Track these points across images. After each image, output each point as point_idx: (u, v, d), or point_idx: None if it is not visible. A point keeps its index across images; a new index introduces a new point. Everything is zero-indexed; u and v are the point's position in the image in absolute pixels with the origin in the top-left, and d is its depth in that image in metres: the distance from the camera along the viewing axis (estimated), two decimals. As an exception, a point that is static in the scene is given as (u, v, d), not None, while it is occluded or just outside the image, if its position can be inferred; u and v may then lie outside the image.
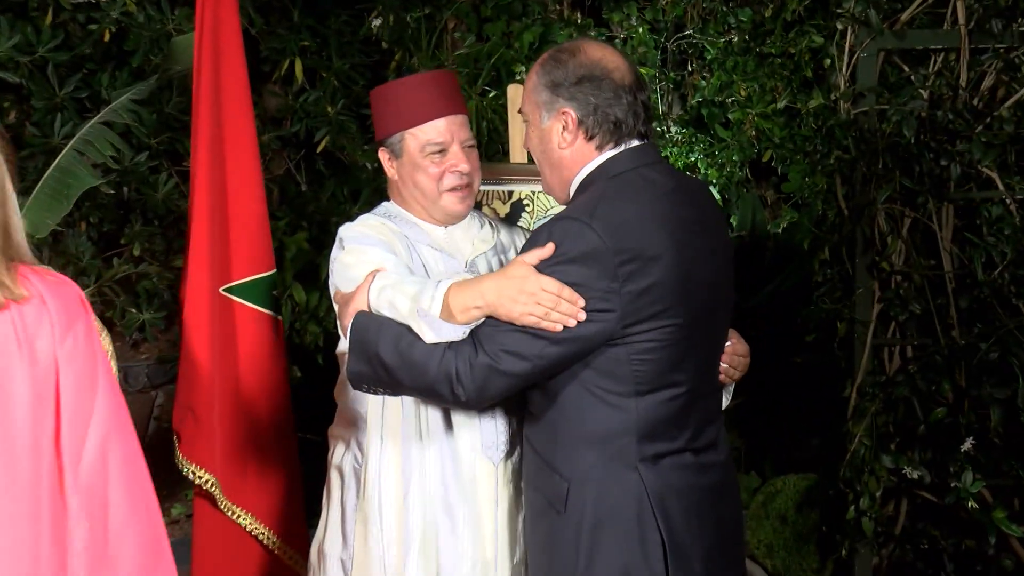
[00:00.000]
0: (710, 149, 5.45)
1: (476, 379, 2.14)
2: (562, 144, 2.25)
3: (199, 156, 3.75)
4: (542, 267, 2.12)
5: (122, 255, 5.53)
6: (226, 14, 3.72)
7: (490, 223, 2.85)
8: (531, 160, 5.03)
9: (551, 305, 2.10)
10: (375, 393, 2.33)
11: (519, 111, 2.34)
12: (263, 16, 5.62)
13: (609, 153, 2.23)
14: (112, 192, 5.18)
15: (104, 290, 5.09)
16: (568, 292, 2.10)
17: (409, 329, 2.21)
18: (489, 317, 2.17)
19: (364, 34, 5.66)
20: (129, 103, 4.48)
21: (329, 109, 5.59)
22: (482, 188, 3.62)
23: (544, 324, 2.10)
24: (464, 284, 2.21)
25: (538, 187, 3.65)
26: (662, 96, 5.67)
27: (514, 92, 3.76)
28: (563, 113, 2.23)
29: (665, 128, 5.59)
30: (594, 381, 2.18)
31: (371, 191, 5.74)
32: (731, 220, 5.59)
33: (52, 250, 5.06)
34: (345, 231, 2.64)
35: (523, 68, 5.41)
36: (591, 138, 2.23)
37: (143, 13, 5.32)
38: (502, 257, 2.77)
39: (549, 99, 2.24)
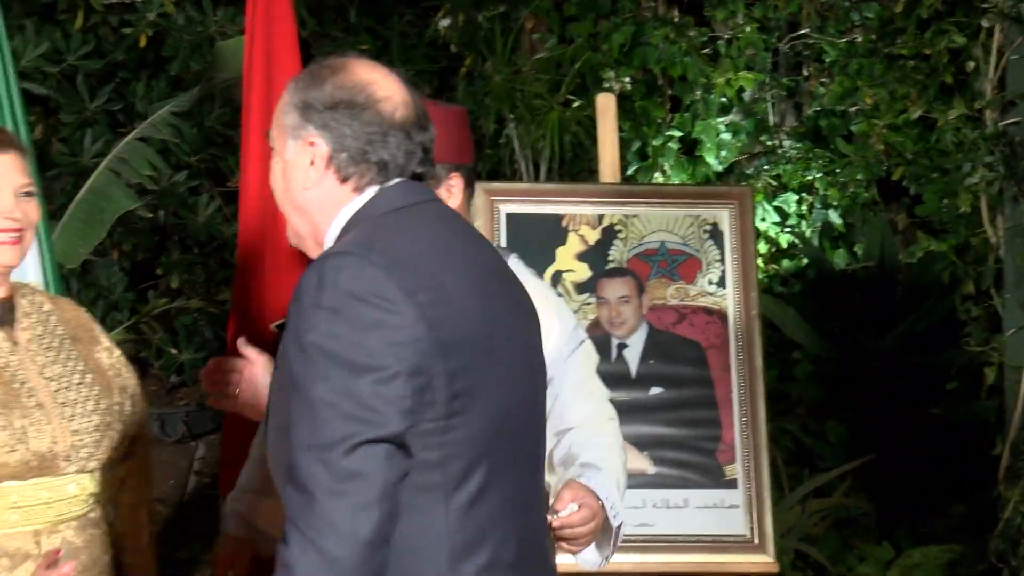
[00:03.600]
0: (830, 166, 5.41)
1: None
2: (306, 183, 1.97)
3: (248, 175, 3.81)
4: (311, 320, 1.83)
5: (158, 287, 5.63)
6: (280, 15, 3.79)
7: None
8: (624, 180, 5.06)
9: None
10: None
11: (267, 135, 2.08)
12: (316, 17, 5.72)
13: (372, 191, 1.97)
14: (149, 216, 5.29)
15: (140, 327, 5.19)
16: None
17: None
18: None
19: (430, 36, 5.74)
20: (168, 116, 4.58)
21: (391, 121, 5.64)
22: (569, 212, 3.62)
23: None
24: None
25: (633, 210, 3.65)
26: (773, 105, 5.65)
27: (604, 101, 3.78)
28: (310, 144, 1.95)
29: (777, 142, 5.57)
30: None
31: (437, 215, 5.78)
32: (855, 248, 5.54)
33: (81, 282, 5.17)
34: None
35: (612, 74, 5.43)
36: (345, 180, 1.96)
37: (183, 14, 5.45)
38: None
39: (297, 123, 1.96)
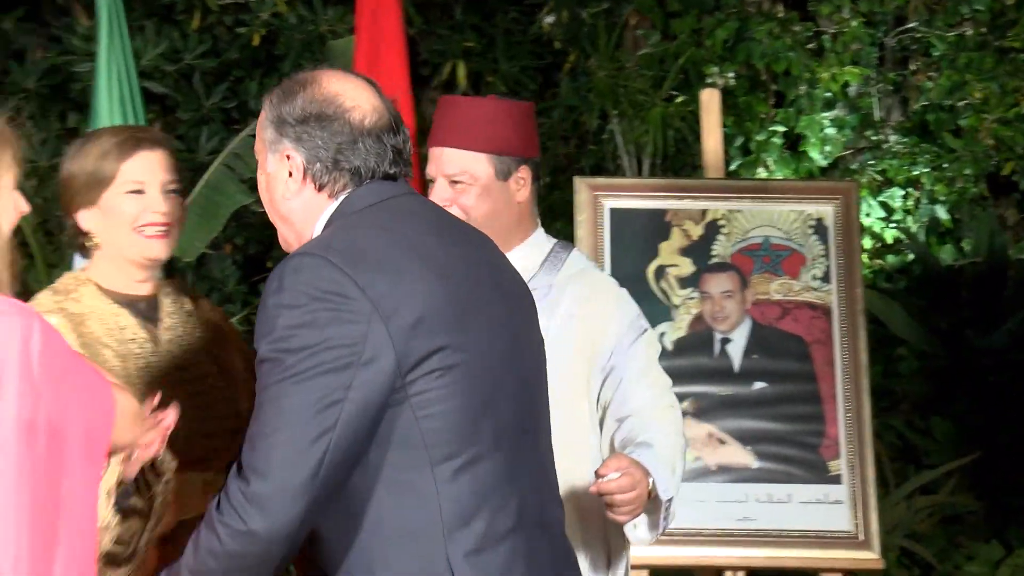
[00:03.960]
0: (937, 161, 5.31)
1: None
2: (287, 194, 2.07)
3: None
4: (274, 320, 1.92)
5: (269, 280, 5.73)
6: (387, 13, 3.84)
7: None
8: (728, 175, 5.02)
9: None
10: None
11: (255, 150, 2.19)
12: (422, 15, 5.77)
13: (345, 194, 2.06)
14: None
15: (251, 319, 5.29)
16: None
17: None
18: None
19: (535, 33, 5.75)
20: (280, 113, 4.65)
21: (495, 118, 5.67)
22: (673, 207, 3.60)
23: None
24: None
25: (737, 205, 3.62)
26: (879, 100, 5.56)
27: (708, 96, 3.75)
28: (287, 157, 2.05)
29: (883, 137, 5.48)
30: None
31: (541, 210, 5.79)
32: (963, 244, 5.43)
33: (195, 275, 5.28)
34: None
35: (716, 69, 5.39)
36: (321, 188, 2.05)
37: (294, 14, 5.54)
38: None
39: (273, 138, 2.06)
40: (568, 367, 2.67)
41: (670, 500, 2.44)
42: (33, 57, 5.76)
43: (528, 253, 2.73)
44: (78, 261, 3.75)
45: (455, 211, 2.58)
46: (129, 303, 2.41)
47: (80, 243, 2.46)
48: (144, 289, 2.43)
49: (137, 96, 3.86)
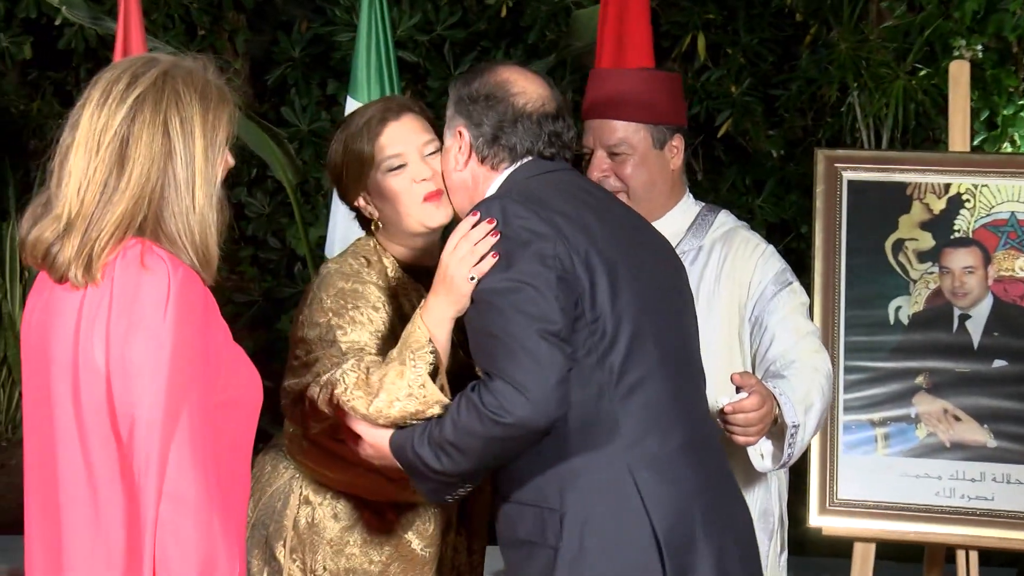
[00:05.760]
0: None
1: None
2: (457, 167, 2.29)
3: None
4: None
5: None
6: (634, -15, 3.79)
7: None
8: (973, 149, 4.76)
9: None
10: (457, 495, 2.25)
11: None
12: (665, -14, 5.69)
13: (511, 168, 2.27)
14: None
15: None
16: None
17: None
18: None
19: (776, 5, 5.60)
20: (525, 82, 4.67)
21: (733, 89, 5.56)
22: (915, 180, 3.44)
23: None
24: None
25: (982, 180, 3.44)
26: None
27: (957, 69, 3.57)
28: (459, 132, 2.28)
29: None
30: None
31: (775, 181, 5.66)
32: None
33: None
34: None
35: (963, 42, 5.11)
36: (483, 160, 2.27)
37: (542, -16, 5.56)
38: None
39: (452, 116, 2.31)
40: (721, 325, 2.75)
41: (796, 428, 2.44)
42: (299, 28, 5.98)
43: (678, 218, 2.83)
44: (333, 220, 3.86)
45: (614, 181, 2.73)
46: (420, 274, 2.41)
47: (365, 224, 2.49)
48: (431, 259, 2.35)
49: (393, 65, 3.94)
